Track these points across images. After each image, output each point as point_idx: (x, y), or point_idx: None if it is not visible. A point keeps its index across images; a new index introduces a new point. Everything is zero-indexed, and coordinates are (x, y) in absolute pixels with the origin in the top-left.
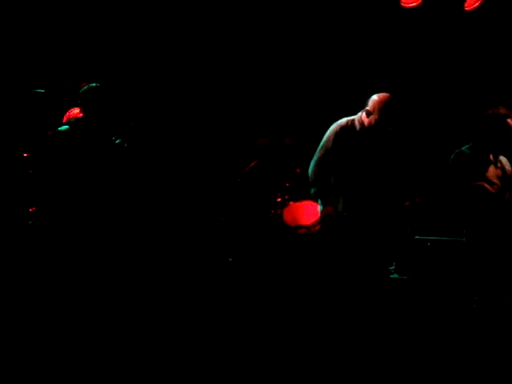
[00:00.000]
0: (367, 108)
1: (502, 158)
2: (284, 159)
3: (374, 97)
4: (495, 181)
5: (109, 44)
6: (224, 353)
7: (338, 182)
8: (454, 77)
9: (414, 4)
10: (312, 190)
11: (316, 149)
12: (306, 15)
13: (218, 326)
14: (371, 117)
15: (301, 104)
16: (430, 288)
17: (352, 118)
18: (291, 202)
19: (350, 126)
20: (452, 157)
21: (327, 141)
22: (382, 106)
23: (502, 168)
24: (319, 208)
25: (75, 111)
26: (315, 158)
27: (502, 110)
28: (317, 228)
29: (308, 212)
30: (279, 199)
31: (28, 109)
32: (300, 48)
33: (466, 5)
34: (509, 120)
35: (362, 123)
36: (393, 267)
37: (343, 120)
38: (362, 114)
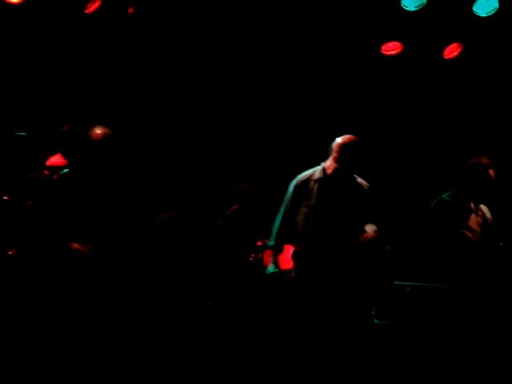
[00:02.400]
0: (331, 151)
1: (483, 207)
2: (265, 203)
3: (337, 139)
4: (476, 229)
5: (88, 88)
6: None
7: (306, 232)
8: (435, 125)
9: (394, 52)
10: (269, 243)
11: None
12: (287, 58)
13: (197, 370)
14: (334, 159)
15: (284, 149)
16: (409, 334)
17: (314, 168)
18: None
19: (309, 178)
20: (433, 204)
21: (287, 197)
22: (344, 147)
23: (483, 216)
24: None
25: (55, 158)
26: (278, 214)
27: (485, 160)
28: None
29: (289, 256)
30: (260, 243)
31: (9, 152)
32: (284, 91)
33: (444, 53)
34: (490, 171)
35: (324, 170)
36: (372, 312)
37: (302, 174)
38: (326, 161)
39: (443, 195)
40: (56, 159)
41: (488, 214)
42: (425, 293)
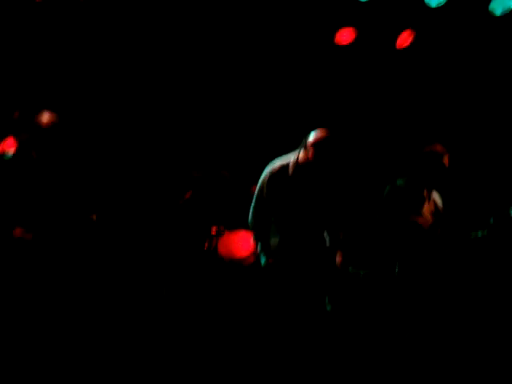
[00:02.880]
0: (304, 146)
1: (435, 194)
2: (220, 191)
3: (311, 134)
4: (428, 216)
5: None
6: None
7: (278, 224)
8: (389, 113)
9: (347, 42)
10: (254, 237)
11: (252, 182)
12: (242, 50)
13: (151, 361)
14: (308, 154)
15: (239, 136)
16: (362, 320)
17: (286, 160)
18: (226, 234)
19: (282, 170)
20: (387, 190)
21: (261, 189)
22: (319, 143)
23: (435, 204)
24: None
25: (8, 143)
26: (252, 205)
27: (439, 148)
28: (252, 260)
29: (243, 244)
30: (214, 231)
31: None
32: (236, 80)
33: (397, 43)
34: (445, 158)
35: (296, 164)
36: (326, 299)
37: (275, 165)
38: (298, 154)
39: (397, 181)
40: (7, 143)
41: (439, 202)
42: (378, 279)
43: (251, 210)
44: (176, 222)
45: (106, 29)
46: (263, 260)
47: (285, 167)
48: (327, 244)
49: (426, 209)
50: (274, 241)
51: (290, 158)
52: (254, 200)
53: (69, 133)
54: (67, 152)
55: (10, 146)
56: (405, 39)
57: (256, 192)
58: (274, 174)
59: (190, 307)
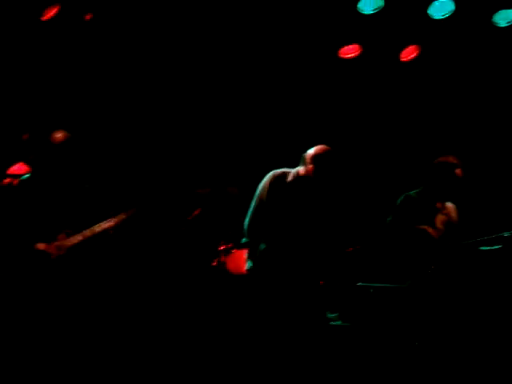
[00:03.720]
0: (304, 160)
1: (450, 205)
2: (227, 208)
3: (311, 149)
4: (440, 226)
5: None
6: None
7: (272, 231)
8: (400, 125)
9: (352, 55)
10: (243, 240)
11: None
12: (246, 62)
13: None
14: (308, 167)
15: (246, 153)
16: (372, 335)
17: (288, 169)
18: (234, 250)
19: (285, 176)
20: (400, 199)
21: (262, 190)
22: (319, 157)
23: (448, 215)
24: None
25: (17, 166)
26: (251, 208)
27: (452, 159)
28: None
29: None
30: (223, 247)
31: None
32: (241, 97)
33: (401, 56)
34: (457, 170)
35: (297, 175)
36: (336, 314)
37: (278, 170)
38: (299, 168)
39: (411, 192)
40: (18, 167)
41: (453, 213)
42: (388, 294)
43: (249, 215)
44: (184, 238)
45: (110, 46)
46: (249, 265)
47: (287, 174)
48: (323, 258)
49: (439, 219)
50: (262, 246)
51: (291, 170)
52: (252, 203)
53: (79, 151)
54: (78, 169)
55: (21, 170)
56: (410, 52)
57: (257, 195)
58: (277, 177)
59: (196, 321)
